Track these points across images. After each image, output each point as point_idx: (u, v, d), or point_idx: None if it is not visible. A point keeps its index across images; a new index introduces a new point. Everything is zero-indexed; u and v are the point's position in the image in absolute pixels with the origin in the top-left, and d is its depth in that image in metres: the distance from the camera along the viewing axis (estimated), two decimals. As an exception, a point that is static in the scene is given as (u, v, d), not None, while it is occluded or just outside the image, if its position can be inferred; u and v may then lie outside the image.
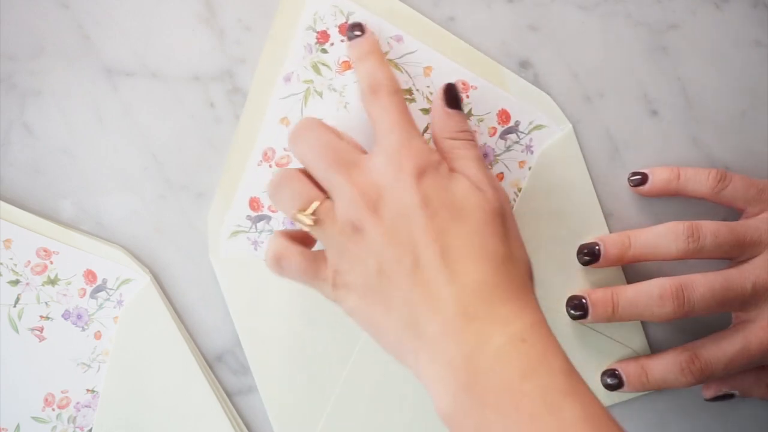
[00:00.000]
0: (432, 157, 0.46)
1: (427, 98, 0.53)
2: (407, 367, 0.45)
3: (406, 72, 0.53)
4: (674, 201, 0.54)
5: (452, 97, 0.49)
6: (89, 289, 0.54)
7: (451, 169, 0.47)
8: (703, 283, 0.48)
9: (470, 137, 0.49)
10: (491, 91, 0.53)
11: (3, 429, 0.54)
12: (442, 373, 0.42)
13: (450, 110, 0.49)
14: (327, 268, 0.46)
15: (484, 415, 0.40)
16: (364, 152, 0.47)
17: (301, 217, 0.46)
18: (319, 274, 0.47)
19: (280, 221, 0.53)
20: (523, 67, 0.54)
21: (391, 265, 0.44)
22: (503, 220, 0.46)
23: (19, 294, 0.54)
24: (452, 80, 0.51)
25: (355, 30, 0.51)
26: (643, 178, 0.53)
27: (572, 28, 0.54)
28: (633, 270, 0.53)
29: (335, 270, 0.46)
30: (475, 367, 0.41)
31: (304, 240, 0.49)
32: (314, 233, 0.46)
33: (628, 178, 0.53)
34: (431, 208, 0.44)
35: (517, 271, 0.45)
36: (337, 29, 0.53)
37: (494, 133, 0.53)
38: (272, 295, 0.53)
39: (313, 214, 0.46)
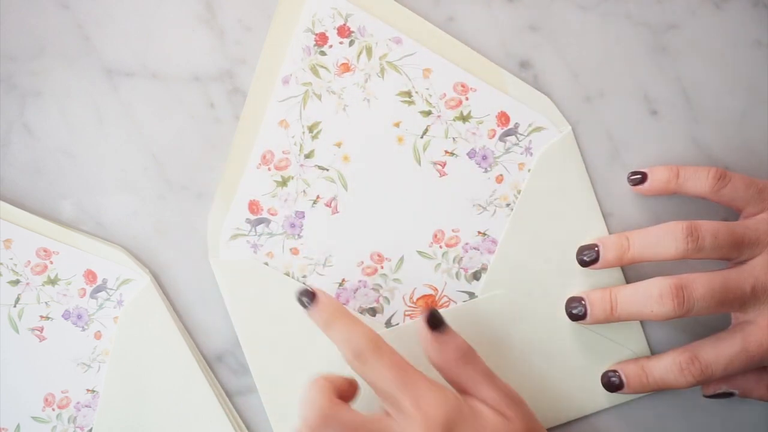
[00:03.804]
0: (451, 402, 0.46)
1: (427, 100, 0.53)
2: None
3: (405, 74, 0.53)
4: (674, 201, 0.54)
5: (436, 321, 0.48)
6: (89, 289, 0.54)
7: (466, 395, 0.48)
8: (703, 283, 0.48)
9: (472, 354, 0.48)
10: (490, 93, 0.53)
11: (3, 429, 0.54)
12: None
13: (440, 335, 0.48)
14: None
15: None
16: None
17: None
18: None
19: (279, 224, 0.53)
20: (523, 67, 0.54)
21: None
22: None
23: (19, 294, 0.54)
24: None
25: (304, 298, 0.50)
26: (643, 177, 0.53)
27: (572, 28, 0.54)
28: (633, 271, 0.53)
29: None
30: None
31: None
32: None
33: (628, 177, 0.53)
34: None
35: None
36: (336, 31, 0.53)
37: (493, 135, 0.53)
38: (272, 297, 0.53)
39: None
